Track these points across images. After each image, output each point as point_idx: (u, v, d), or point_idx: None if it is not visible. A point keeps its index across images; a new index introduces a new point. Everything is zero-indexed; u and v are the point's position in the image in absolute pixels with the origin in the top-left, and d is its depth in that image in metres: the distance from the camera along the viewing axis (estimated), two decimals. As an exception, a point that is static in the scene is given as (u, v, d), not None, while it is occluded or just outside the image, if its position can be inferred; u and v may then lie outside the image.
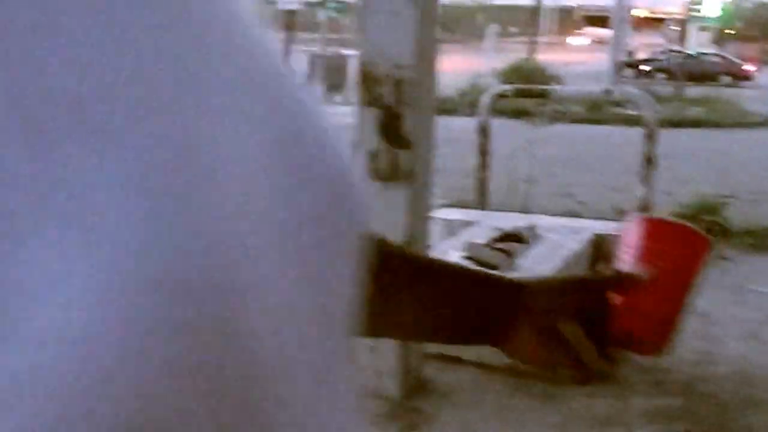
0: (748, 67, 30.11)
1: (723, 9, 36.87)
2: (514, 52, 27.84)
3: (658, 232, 0.81)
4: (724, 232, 5.86)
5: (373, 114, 3.16)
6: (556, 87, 8.64)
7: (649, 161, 5.91)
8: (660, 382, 3.51)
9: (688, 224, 0.83)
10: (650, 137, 5.87)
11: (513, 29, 50.11)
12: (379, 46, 3.12)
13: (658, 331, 0.78)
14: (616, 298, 0.77)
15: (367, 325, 0.54)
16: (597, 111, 13.94)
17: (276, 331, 0.33)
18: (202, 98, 0.33)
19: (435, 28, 3.33)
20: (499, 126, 10.00)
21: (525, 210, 6.11)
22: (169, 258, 0.28)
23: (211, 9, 0.37)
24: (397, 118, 3.14)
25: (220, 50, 0.36)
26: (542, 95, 6.87)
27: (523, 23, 42.93)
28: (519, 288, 0.78)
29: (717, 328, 4.19)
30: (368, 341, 3.04)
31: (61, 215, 0.27)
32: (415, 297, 0.75)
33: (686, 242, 0.81)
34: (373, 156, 3.14)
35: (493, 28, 24.21)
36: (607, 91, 6.03)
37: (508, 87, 6.65)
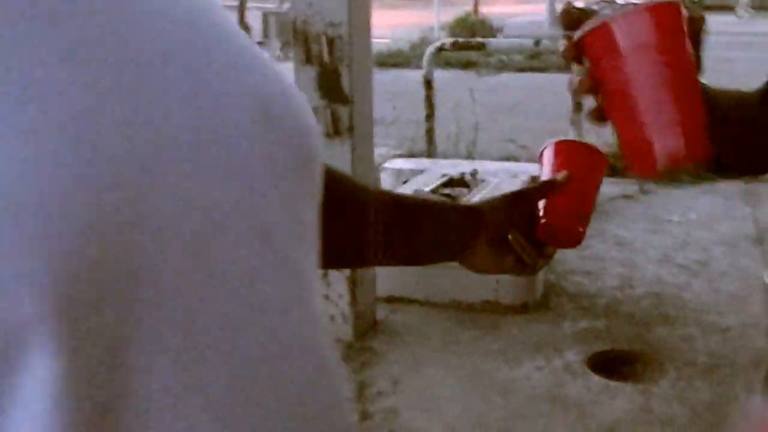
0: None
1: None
2: (461, 5, 27.60)
3: (567, 150, 0.97)
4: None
5: (310, 71, 3.07)
6: (492, 40, 8.66)
7: (577, 106, 6.00)
8: (586, 307, 3.66)
9: (588, 143, 0.99)
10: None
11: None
12: (312, 5, 3.01)
13: (574, 225, 0.92)
14: (541, 203, 0.92)
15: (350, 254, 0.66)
16: (537, 59, 13.96)
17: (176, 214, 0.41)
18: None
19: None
20: (448, 77, 10.03)
21: (470, 156, 6.20)
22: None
23: None
24: (335, 75, 3.05)
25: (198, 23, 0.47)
26: (480, 48, 6.90)
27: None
28: (474, 210, 0.90)
29: (636, 254, 4.35)
30: (322, 288, 3.13)
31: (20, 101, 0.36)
32: (391, 226, 0.84)
33: (588, 155, 0.96)
34: (314, 112, 3.14)
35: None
36: (537, 42, 6.10)
37: (447, 41, 6.65)
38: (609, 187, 5.63)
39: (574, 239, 0.94)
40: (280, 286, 0.47)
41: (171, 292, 0.41)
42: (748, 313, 3.52)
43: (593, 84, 0.79)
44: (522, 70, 13.56)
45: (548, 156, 0.97)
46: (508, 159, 6.29)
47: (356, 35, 3.07)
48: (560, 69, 12.88)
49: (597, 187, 0.97)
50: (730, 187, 5.39)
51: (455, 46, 6.54)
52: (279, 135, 0.50)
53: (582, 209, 0.94)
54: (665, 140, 0.76)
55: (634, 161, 0.80)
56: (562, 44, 0.81)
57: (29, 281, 0.34)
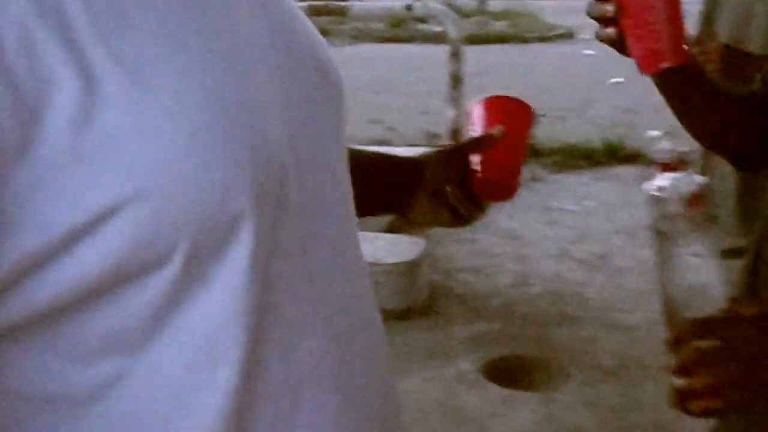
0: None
1: None
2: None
3: (497, 105, 1.15)
4: (533, 151, 6.23)
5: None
6: (354, 3, 8.70)
7: (456, 81, 6.16)
8: (478, 308, 3.80)
9: (514, 97, 1.19)
10: (455, 55, 6.11)
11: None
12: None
13: (508, 178, 1.11)
14: (476, 157, 1.08)
15: None
16: (400, 28, 14.21)
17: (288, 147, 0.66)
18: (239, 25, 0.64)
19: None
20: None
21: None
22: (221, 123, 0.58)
23: None
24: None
25: None
26: (339, 13, 6.93)
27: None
28: (413, 163, 1.07)
29: (530, 249, 4.54)
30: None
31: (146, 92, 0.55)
32: None
33: (517, 110, 1.15)
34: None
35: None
36: (408, 7, 6.10)
37: (301, 4, 6.66)
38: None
39: (509, 192, 1.12)
40: (351, 219, 0.76)
41: (300, 215, 0.66)
42: (654, 310, 3.73)
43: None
44: (385, 40, 13.82)
45: (479, 112, 1.13)
46: (375, 143, 6.39)
47: None
48: (429, 39, 13.15)
49: (527, 140, 1.15)
50: (626, 172, 5.71)
51: (309, 10, 6.56)
52: (335, 95, 0.76)
53: (515, 162, 1.12)
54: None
55: (644, 60, 1.13)
56: None
57: (243, 188, 0.58)
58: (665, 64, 1.10)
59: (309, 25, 0.75)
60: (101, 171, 0.52)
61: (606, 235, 4.69)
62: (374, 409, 0.74)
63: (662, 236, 1.03)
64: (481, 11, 18.73)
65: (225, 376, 0.59)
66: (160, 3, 0.58)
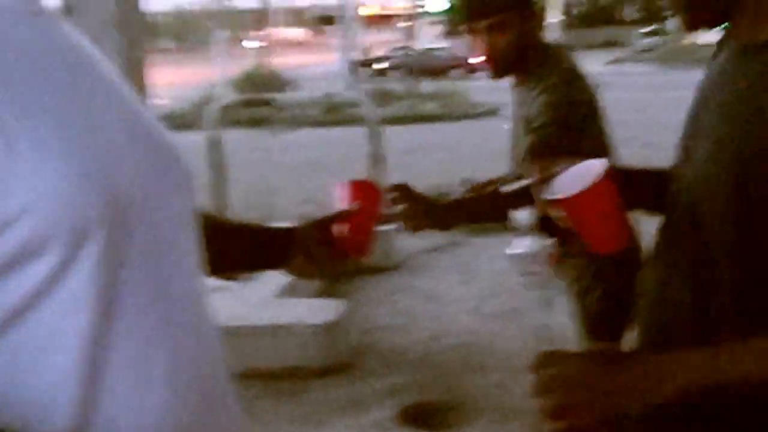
0: (475, 60, 32.16)
1: (449, 3, 39.17)
2: (246, 58, 28.15)
3: (353, 187, 1.48)
4: (451, 219, 6.51)
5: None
6: (287, 94, 9.04)
7: (376, 160, 6.46)
8: (395, 362, 4.01)
9: (368, 179, 1.54)
10: (374, 136, 6.43)
11: (243, 34, 50.15)
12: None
13: (362, 240, 1.45)
14: (339, 225, 1.42)
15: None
16: (332, 113, 14.59)
17: (140, 201, 0.88)
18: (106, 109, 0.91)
19: (141, 44, 3.52)
20: (238, 137, 10.31)
21: (268, 220, 6.46)
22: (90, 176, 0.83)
23: (109, 67, 0.97)
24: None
25: (114, 83, 0.95)
26: (269, 104, 7.22)
27: (253, 27, 43.31)
28: (291, 231, 1.40)
29: (446, 307, 4.79)
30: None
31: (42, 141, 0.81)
32: (232, 246, 1.34)
33: (368, 189, 1.49)
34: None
35: (222, 34, 24.26)
36: (328, 95, 6.47)
37: (235, 98, 6.94)
38: (417, 241, 6.10)
39: (363, 249, 1.46)
40: (196, 261, 1.00)
41: (147, 245, 0.89)
42: (558, 355, 3.98)
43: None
44: (318, 124, 14.20)
45: (342, 192, 1.49)
46: (305, 219, 6.61)
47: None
48: (357, 121, 13.50)
49: (376, 213, 1.50)
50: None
51: (245, 103, 6.81)
52: (172, 164, 0.99)
53: (368, 228, 1.47)
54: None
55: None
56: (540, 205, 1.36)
57: (95, 202, 0.82)
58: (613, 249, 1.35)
59: (153, 116, 1.02)
60: (5, 196, 0.78)
61: (518, 290, 4.95)
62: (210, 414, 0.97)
63: (529, 287, 1.29)
64: (413, 93, 19.26)
65: (71, 356, 0.82)
66: (53, 90, 0.85)
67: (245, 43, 38.12)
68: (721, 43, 1.33)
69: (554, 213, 1.33)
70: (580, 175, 1.31)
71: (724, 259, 1.15)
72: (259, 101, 6.88)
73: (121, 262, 0.85)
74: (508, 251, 1.70)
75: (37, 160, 0.79)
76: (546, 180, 1.33)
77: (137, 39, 3.45)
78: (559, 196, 1.29)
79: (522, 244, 1.59)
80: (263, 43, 33.68)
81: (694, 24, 1.29)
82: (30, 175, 0.79)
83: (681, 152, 1.33)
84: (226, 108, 6.31)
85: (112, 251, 0.83)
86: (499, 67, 2.36)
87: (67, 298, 0.82)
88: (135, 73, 3.41)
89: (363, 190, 1.47)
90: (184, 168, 1.00)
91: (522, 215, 1.56)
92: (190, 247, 0.98)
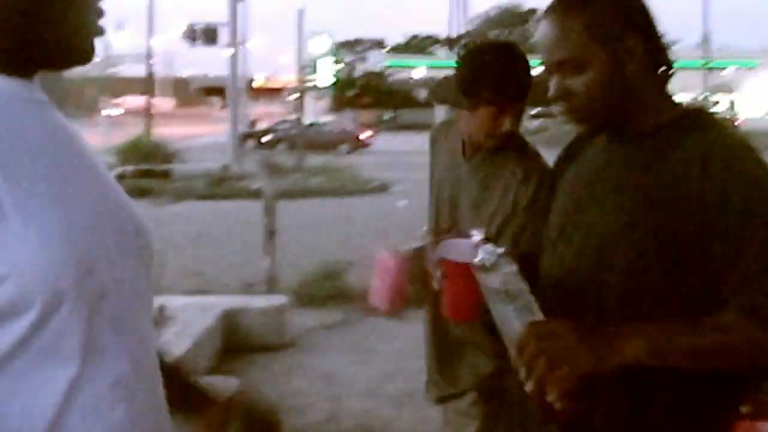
0: (365, 134, 32.72)
1: (336, 77, 39.79)
2: (131, 127, 27.75)
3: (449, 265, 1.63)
4: (346, 296, 6.46)
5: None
6: (179, 165, 8.90)
7: (271, 234, 6.38)
8: (290, 447, 3.87)
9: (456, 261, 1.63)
10: (269, 210, 6.36)
11: (127, 102, 49.56)
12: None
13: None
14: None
15: None
16: (220, 186, 14.43)
17: (111, 279, 1.03)
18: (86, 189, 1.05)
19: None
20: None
21: (155, 292, 6.25)
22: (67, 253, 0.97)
23: (90, 150, 1.10)
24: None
25: (95, 164, 1.10)
26: (166, 175, 7.08)
27: (138, 96, 42.85)
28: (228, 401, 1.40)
29: (342, 388, 4.67)
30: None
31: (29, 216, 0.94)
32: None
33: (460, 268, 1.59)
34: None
35: (105, 102, 23.76)
36: (225, 167, 6.41)
37: (127, 168, 6.77)
38: (309, 318, 6.01)
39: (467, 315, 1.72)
40: (150, 319, 1.14)
41: (112, 300, 1.02)
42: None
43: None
44: (204, 197, 14.02)
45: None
46: (194, 293, 6.45)
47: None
48: (246, 195, 13.44)
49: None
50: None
51: (137, 173, 6.66)
52: (143, 243, 1.11)
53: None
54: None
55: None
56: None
57: (72, 271, 0.95)
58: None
59: (120, 190, 1.14)
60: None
61: (415, 373, 4.88)
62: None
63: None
64: (300, 168, 19.27)
65: (43, 401, 0.97)
66: (43, 170, 0.98)
67: (106, 112, 37.44)
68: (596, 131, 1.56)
69: (436, 273, 1.65)
70: (466, 249, 1.54)
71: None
72: (156, 172, 6.71)
73: (92, 323, 0.98)
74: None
75: (25, 232, 0.92)
76: (439, 242, 1.67)
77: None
78: (439, 256, 1.60)
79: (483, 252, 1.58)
80: (120, 112, 33.30)
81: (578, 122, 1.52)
82: (18, 245, 0.92)
83: (557, 232, 1.54)
84: (119, 178, 6.11)
85: (85, 312, 0.97)
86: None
87: (43, 351, 0.95)
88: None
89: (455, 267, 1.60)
90: (146, 242, 1.12)
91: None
92: (147, 310, 1.13)
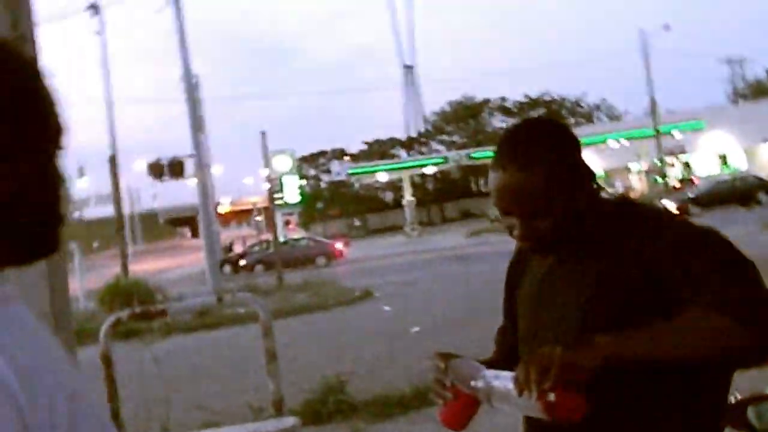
0: (338, 245, 32.71)
1: (301, 193, 40.03)
2: (104, 268, 27.72)
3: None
4: (351, 408, 6.66)
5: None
6: (173, 303, 9.11)
7: (272, 356, 6.58)
8: None
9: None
10: (267, 332, 6.59)
11: (97, 244, 49.53)
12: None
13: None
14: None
15: None
16: (208, 316, 14.57)
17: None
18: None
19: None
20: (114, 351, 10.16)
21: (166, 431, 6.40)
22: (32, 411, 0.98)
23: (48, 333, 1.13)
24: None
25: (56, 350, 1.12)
26: (162, 314, 7.24)
27: (108, 236, 42.99)
28: None
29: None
30: None
31: None
32: None
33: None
34: None
35: (74, 246, 23.78)
36: (220, 299, 6.71)
37: (119, 315, 6.93)
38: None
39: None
40: None
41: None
42: None
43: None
44: (192, 329, 14.15)
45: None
46: (202, 427, 6.56)
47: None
48: (234, 322, 13.50)
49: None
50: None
51: (133, 316, 6.79)
52: None
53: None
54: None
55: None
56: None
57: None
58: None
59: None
60: None
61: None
62: None
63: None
64: (281, 287, 19.39)
65: None
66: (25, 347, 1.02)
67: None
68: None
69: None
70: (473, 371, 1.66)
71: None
72: (153, 312, 6.90)
73: None
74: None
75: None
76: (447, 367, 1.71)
77: None
78: (449, 380, 1.69)
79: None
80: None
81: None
82: None
83: (529, 322, 1.77)
84: (115, 325, 6.32)
85: None
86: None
87: None
88: None
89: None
90: None
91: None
92: None
